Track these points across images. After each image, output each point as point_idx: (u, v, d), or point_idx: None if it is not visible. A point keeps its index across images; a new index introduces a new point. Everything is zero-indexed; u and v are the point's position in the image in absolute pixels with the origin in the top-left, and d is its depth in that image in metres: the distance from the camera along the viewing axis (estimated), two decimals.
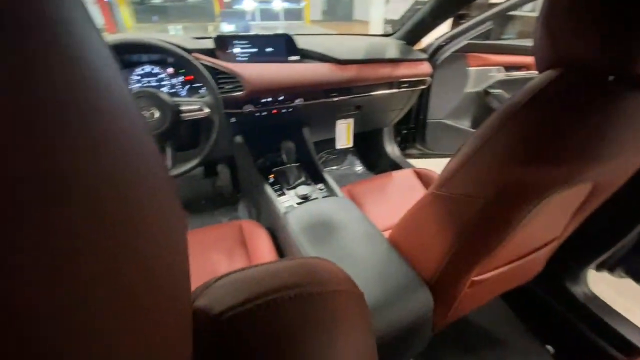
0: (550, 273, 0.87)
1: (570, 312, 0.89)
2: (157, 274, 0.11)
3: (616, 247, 0.81)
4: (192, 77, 0.93)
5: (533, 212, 0.48)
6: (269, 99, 0.98)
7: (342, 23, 10.32)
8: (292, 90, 1.00)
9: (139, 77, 0.89)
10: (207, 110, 0.82)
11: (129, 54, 0.86)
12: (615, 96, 0.38)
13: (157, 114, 0.75)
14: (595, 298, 0.88)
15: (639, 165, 0.54)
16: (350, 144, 1.30)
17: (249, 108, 0.96)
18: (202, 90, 0.93)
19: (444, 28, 1.35)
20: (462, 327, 0.97)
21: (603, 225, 0.81)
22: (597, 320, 0.84)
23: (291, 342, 0.18)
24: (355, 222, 0.76)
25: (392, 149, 1.63)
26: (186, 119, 0.81)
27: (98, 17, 6.42)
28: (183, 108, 0.80)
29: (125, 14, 6.50)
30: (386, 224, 0.89)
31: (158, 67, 0.90)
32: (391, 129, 1.63)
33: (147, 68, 0.89)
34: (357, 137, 1.66)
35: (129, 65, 0.88)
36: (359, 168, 1.77)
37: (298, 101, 1.02)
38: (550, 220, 0.63)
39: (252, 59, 0.97)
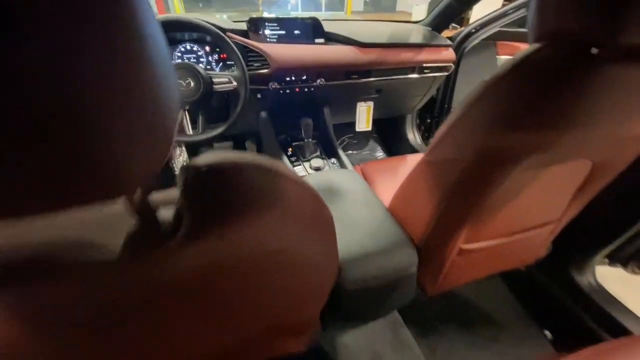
0: (555, 260, 0.87)
1: (572, 300, 0.89)
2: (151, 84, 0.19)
3: (624, 237, 0.79)
4: (225, 55, 1.04)
5: (514, 177, 0.51)
6: (293, 78, 1.07)
7: (384, 14, 10.04)
8: (315, 70, 1.07)
9: (180, 54, 1.01)
10: (234, 83, 0.92)
11: (174, 31, 0.98)
12: (595, 67, 0.40)
13: (192, 84, 0.87)
14: (601, 290, 0.87)
15: None
16: (370, 128, 1.34)
17: (273, 85, 1.05)
18: (234, 67, 1.04)
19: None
20: (460, 302, 1.00)
21: (610, 214, 0.80)
22: (600, 311, 0.84)
23: (248, 200, 0.26)
24: (358, 191, 0.82)
25: (413, 136, 1.64)
26: (217, 90, 0.92)
27: (153, 5, 6.97)
28: (215, 80, 0.91)
29: (175, 1, 6.98)
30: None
31: (197, 45, 1.02)
32: (414, 116, 1.64)
33: (188, 46, 1.02)
34: (380, 122, 1.69)
35: (173, 43, 1.01)
36: (380, 154, 1.81)
37: (319, 81, 1.09)
38: (544, 198, 0.65)
39: (281, 40, 1.06)
